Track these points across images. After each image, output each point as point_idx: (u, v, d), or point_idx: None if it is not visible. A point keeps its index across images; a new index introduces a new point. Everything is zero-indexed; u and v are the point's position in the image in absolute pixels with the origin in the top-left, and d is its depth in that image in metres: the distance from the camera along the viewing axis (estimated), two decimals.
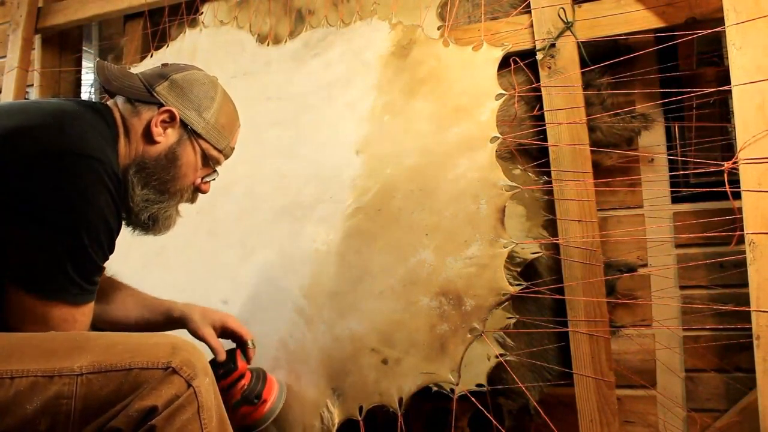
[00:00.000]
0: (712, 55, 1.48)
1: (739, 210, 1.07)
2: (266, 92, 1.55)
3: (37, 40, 2.14)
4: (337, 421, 1.28)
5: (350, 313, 1.31)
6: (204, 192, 1.12)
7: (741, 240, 1.07)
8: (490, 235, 1.22)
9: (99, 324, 1.19)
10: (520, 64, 1.38)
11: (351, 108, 1.43)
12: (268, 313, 1.39)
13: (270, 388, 1.22)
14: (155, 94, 1.02)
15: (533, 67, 1.39)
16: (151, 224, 1.06)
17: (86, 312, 0.91)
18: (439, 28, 1.43)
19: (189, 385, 0.83)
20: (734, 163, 1.06)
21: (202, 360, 0.87)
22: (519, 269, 1.34)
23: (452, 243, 1.24)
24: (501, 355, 1.21)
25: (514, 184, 1.22)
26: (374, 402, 1.25)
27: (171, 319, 1.18)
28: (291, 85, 1.53)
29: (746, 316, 1.06)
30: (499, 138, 1.25)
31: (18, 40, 2.06)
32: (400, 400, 1.23)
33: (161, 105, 1.02)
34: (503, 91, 1.28)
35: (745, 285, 1.05)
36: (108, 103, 1.05)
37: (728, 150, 1.41)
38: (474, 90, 1.30)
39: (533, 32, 1.39)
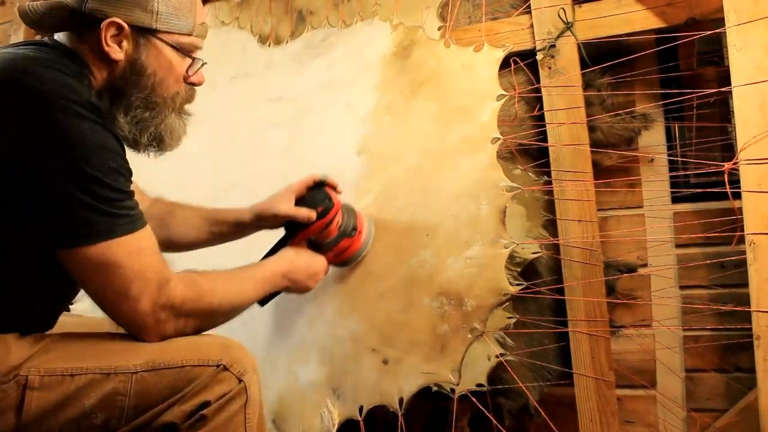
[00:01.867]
0: (713, 55, 1.48)
1: (740, 210, 1.07)
2: (267, 93, 1.55)
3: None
4: (337, 421, 1.28)
5: (351, 313, 1.31)
6: (199, 83, 1.02)
7: (741, 240, 1.07)
8: (490, 235, 1.22)
9: (173, 249, 1.22)
10: (521, 65, 1.39)
11: (352, 108, 1.43)
12: (269, 313, 1.39)
13: (360, 218, 1.25)
14: (89, 13, 0.89)
15: (533, 67, 1.39)
16: (157, 143, 0.98)
17: (145, 236, 0.86)
18: (439, 29, 1.44)
19: (240, 381, 0.87)
20: (734, 163, 1.06)
21: (250, 358, 0.91)
22: (519, 269, 1.34)
23: (453, 243, 1.25)
24: (501, 354, 1.21)
25: (515, 184, 1.23)
26: (375, 402, 1.26)
27: (243, 225, 1.21)
28: (292, 86, 1.53)
29: (746, 316, 1.06)
30: (500, 139, 1.25)
31: (19, 40, 2.06)
32: (401, 400, 1.23)
33: (100, 20, 0.88)
34: (504, 92, 1.28)
35: (745, 285, 1.05)
36: (57, 38, 0.95)
37: (728, 150, 1.41)
38: (475, 90, 1.31)
39: (533, 33, 1.39)
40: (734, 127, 1.14)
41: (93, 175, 0.80)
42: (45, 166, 0.79)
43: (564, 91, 1.35)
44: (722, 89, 1.19)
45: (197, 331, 0.93)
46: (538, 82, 1.38)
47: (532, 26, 1.39)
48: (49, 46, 0.91)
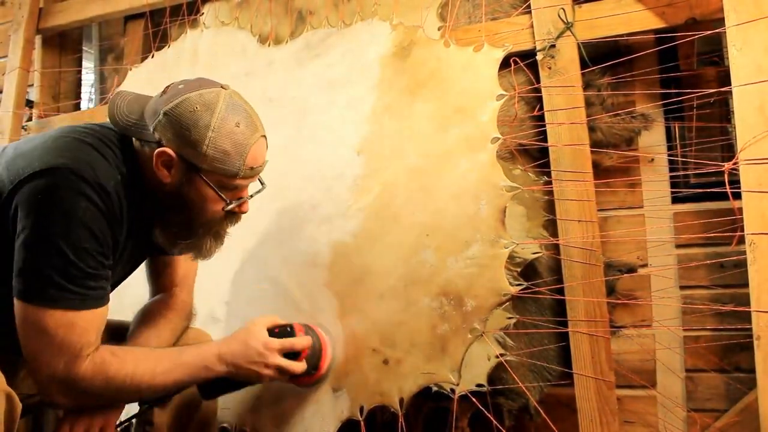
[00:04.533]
0: (713, 55, 1.48)
1: (740, 210, 1.07)
2: (267, 93, 1.55)
3: (37, 40, 2.14)
4: (338, 421, 1.28)
5: (351, 314, 1.31)
6: (243, 212, 1.08)
7: (741, 240, 1.07)
8: (490, 235, 1.22)
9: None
10: (521, 65, 1.39)
11: (352, 108, 1.43)
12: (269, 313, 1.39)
13: (324, 355, 1.24)
14: (154, 132, 0.98)
15: (533, 67, 1.39)
16: (191, 254, 1.09)
17: (89, 318, 0.92)
18: (439, 29, 1.44)
19: None
20: (734, 163, 1.06)
21: None
22: (519, 269, 1.34)
23: (453, 243, 1.25)
24: (501, 355, 1.21)
25: (515, 184, 1.22)
26: (375, 402, 1.26)
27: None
28: (292, 86, 1.53)
29: (746, 316, 1.06)
30: (499, 138, 1.25)
31: (20, 40, 2.06)
32: (401, 400, 1.23)
33: (159, 144, 0.98)
34: (504, 92, 1.28)
35: (745, 285, 1.05)
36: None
37: (728, 150, 1.41)
38: (475, 90, 1.31)
39: (533, 33, 1.39)
40: (734, 127, 1.14)
41: (64, 250, 0.88)
42: (31, 222, 0.88)
43: (564, 91, 1.35)
44: (722, 89, 1.19)
45: (100, 403, 0.99)
46: (538, 82, 1.38)
47: (532, 26, 1.39)
48: (116, 137, 1.02)
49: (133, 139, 1.02)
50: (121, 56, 2.09)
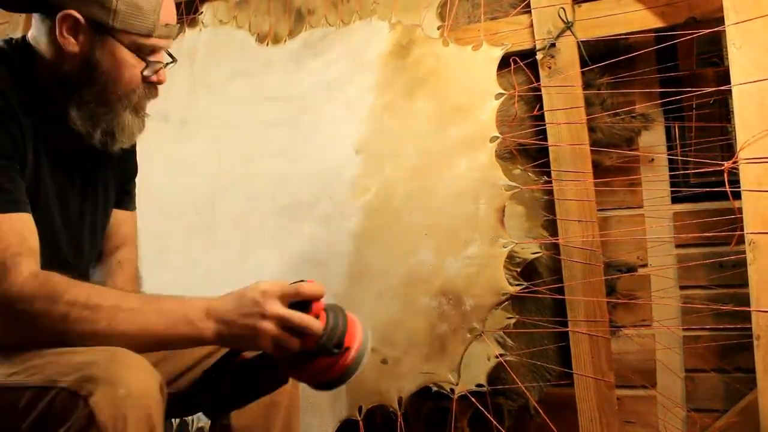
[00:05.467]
0: (712, 55, 1.48)
1: (739, 210, 1.06)
2: (266, 92, 1.55)
3: None
4: (337, 420, 1.28)
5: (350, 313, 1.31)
6: (160, 82, 0.96)
7: (741, 240, 1.07)
8: (489, 235, 1.22)
9: None
10: (520, 64, 1.38)
11: (350, 108, 1.43)
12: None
13: (352, 328, 0.87)
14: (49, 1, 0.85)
15: (533, 66, 1.39)
16: (110, 139, 0.94)
17: (7, 223, 0.79)
18: (438, 28, 1.43)
19: (86, 404, 0.67)
20: (734, 163, 1.06)
21: (115, 371, 0.70)
22: (519, 269, 1.33)
23: (452, 243, 1.24)
24: (501, 355, 1.21)
25: (514, 184, 1.22)
26: (374, 402, 1.25)
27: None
28: (290, 85, 1.53)
29: (746, 316, 1.06)
30: (498, 138, 1.25)
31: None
32: (400, 399, 1.23)
33: (57, 10, 0.85)
34: (503, 91, 1.28)
35: (745, 285, 1.05)
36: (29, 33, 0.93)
37: (728, 150, 1.40)
38: (474, 90, 1.31)
39: (533, 32, 1.39)
40: (734, 127, 1.14)
41: None
42: None
43: (564, 91, 1.34)
44: (722, 88, 1.19)
45: (48, 341, 0.77)
46: (538, 81, 1.38)
47: (531, 26, 1.39)
48: (7, 41, 0.92)
49: (31, 31, 0.91)
50: None
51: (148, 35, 0.90)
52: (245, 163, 1.51)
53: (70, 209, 0.97)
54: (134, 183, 1.14)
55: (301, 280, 0.84)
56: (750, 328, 1.04)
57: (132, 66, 0.91)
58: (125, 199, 1.11)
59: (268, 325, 0.79)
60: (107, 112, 0.92)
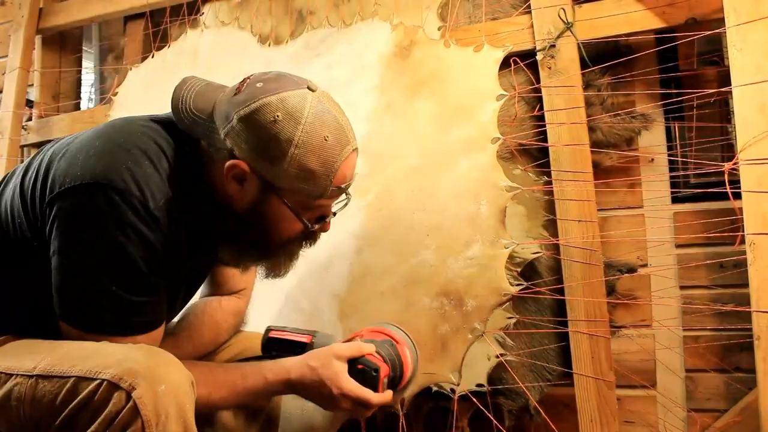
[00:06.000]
0: (713, 55, 1.48)
1: (740, 210, 1.07)
2: None
3: (37, 40, 2.14)
4: (338, 420, 1.28)
5: (351, 314, 1.31)
6: (325, 231, 0.95)
7: (741, 240, 1.07)
8: (490, 235, 1.22)
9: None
10: (521, 65, 1.39)
11: (352, 109, 1.41)
12: (269, 313, 1.39)
13: (404, 359, 1.07)
14: (225, 139, 0.83)
15: (534, 67, 1.39)
16: (264, 273, 0.96)
17: (139, 341, 0.82)
18: (439, 29, 1.44)
19: (129, 398, 0.70)
20: (735, 163, 1.06)
21: (154, 367, 0.74)
22: (519, 269, 1.34)
23: (453, 243, 1.25)
24: (501, 355, 1.21)
25: (515, 184, 1.23)
26: None
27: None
28: None
29: (746, 316, 1.06)
30: (500, 139, 1.25)
31: (20, 40, 2.06)
32: (402, 400, 1.23)
33: (231, 155, 0.83)
34: (504, 92, 1.28)
35: (746, 285, 1.05)
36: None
37: (728, 150, 1.40)
38: (475, 91, 1.31)
39: (533, 33, 1.39)
40: (734, 127, 1.14)
41: (98, 277, 0.78)
42: (64, 245, 0.79)
43: (564, 91, 1.35)
44: (722, 89, 1.19)
45: None
46: (539, 82, 1.38)
47: (532, 26, 1.39)
48: (184, 141, 0.88)
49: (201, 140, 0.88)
50: (121, 56, 2.09)
51: (318, 198, 0.87)
52: None
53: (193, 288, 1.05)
54: None
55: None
56: (750, 328, 1.04)
57: (295, 222, 0.88)
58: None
59: (342, 403, 0.94)
60: (259, 257, 0.93)
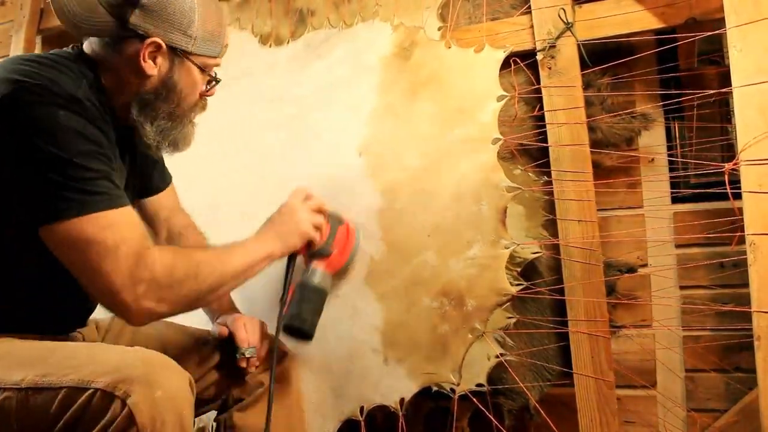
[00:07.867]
0: (713, 55, 1.48)
1: (740, 210, 1.07)
2: (268, 94, 1.55)
3: (37, 40, 2.14)
4: (338, 420, 1.29)
5: (352, 314, 1.31)
6: (210, 96, 1.08)
7: (741, 240, 1.07)
8: (491, 236, 1.22)
9: None
10: (521, 65, 1.39)
11: (353, 109, 1.43)
12: (269, 314, 1.39)
13: (342, 234, 1.24)
14: (131, 26, 0.92)
15: (534, 67, 1.39)
16: (172, 148, 1.06)
17: (126, 215, 0.85)
18: (440, 29, 1.44)
19: (124, 405, 0.71)
20: (735, 164, 1.06)
21: (151, 372, 0.75)
22: (519, 269, 1.34)
23: (454, 244, 1.25)
24: (501, 354, 1.21)
25: (516, 185, 1.23)
26: (375, 402, 1.26)
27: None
28: (293, 87, 1.53)
29: (746, 316, 1.06)
30: (501, 139, 1.26)
31: (20, 40, 2.06)
32: (401, 400, 1.23)
33: (142, 37, 0.93)
34: (505, 93, 1.29)
35: (746, 285, 1.05)
36: (84, 47, 1.00)
37: (729, 150, 1.41)
38: (476, 91, 1.31)
39: (533, 33, 1.39)
40: (734, 128, 1.14)
41: (63, 156, 0.81)
42: (21, 149, 0.81)
43: (564, 92, 1.35)
44: (722, 90, 1.19)
45: (188, 305, 0.90)
46: (539, 82, 1.38)
47: (532, 26, 1.39)
48: (65, 55, 0.97)
49: (93, 43, 0.97)
50: None
51: (216, 56, 1.02)
52: (247, 166, 1.51)
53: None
54: (162, 161, 1.27)
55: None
56: (750, 328, 1.04)
57: (199, 83, 1.03)
58: (163, 177, 1.28)
59: (303, 213, 1.14)
60: (175, 126, 1.03)
